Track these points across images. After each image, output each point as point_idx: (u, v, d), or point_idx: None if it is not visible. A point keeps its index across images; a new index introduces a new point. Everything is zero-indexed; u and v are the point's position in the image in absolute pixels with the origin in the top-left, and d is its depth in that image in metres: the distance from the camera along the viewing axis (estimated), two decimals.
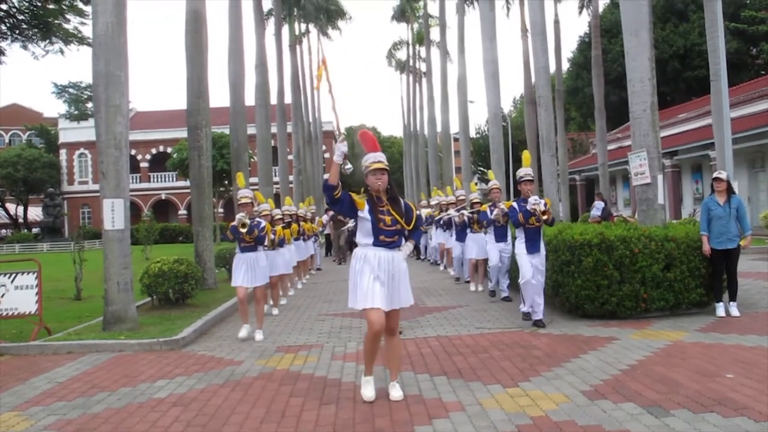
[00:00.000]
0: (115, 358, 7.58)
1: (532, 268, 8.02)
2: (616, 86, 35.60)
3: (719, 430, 4.16)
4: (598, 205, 14.52)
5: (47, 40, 18.93)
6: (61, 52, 19.33)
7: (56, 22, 19.32)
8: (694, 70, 38.38)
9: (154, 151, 59.18)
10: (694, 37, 38.09)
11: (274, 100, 30.88)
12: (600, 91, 27.22)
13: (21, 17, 19.23)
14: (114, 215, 8.95)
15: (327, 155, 59.04)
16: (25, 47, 18.98)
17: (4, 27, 19.29)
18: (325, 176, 5.34)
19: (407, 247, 5.48)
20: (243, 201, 8.50)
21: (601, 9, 34.79)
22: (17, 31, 18.48)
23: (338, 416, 4.96)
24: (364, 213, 5.22)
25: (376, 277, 5.13)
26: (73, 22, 20.16)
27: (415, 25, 49.53)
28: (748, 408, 4.53)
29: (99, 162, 9.11)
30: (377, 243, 5.21)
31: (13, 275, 8.88)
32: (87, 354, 7.81)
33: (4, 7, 19.18)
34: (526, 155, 8.47)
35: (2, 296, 8.77)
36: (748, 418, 4.33)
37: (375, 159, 5.24)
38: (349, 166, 5.27)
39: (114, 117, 8.97)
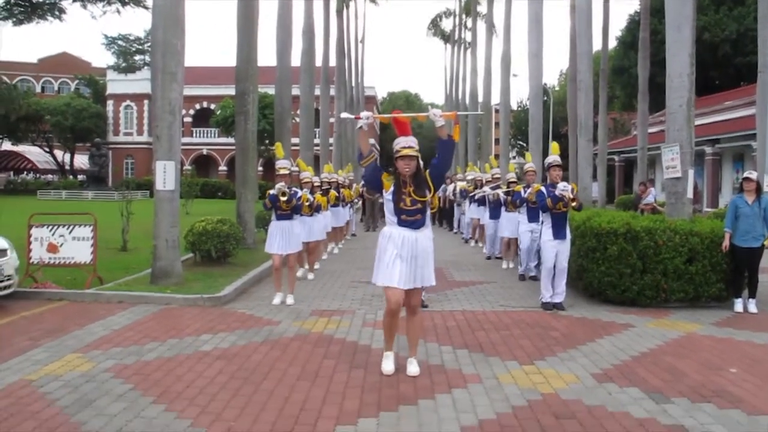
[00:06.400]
0: (162, 310, 8.21)
1: (554, 256, 8.36)
2: (664, 67, 35.04)
3: (712, 420, 4.54)
4: (652, 192, 15.31)
5: (106, 1, 19.59)
6: (118, 12, 20.06)
7: None
8: (746, 56, 37.38)
9: (197, 106, 59.97)
10: (749, 22, 37.09)
11: (319, 62, 31.15)
12: (645, 74, 26.87)
13: None
14: (166, 176, 9.52)
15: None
16: (84, 6, 19.71)
17: None
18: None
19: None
20: (281, 172, 8.95)
21: None
22: None
23: (366, 380, 5.46)
24: (388, 194, 5.59)
25: (398, 255, 5.47)
26: None
27: None
28: (743, 401, 4.90)
29: (154, 126, 9.66)
30: (401, 223, 5.56)
31: (72, 227, 9.55)
32: (137, 305, 8.45)
33: None
34: (554, 146, 8.82)
35: (61, 246, 9.47)
36: (741, 411, 4.71)
37: (405, 144, 5.52)
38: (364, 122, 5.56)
39: (170, 84, 9.48)
